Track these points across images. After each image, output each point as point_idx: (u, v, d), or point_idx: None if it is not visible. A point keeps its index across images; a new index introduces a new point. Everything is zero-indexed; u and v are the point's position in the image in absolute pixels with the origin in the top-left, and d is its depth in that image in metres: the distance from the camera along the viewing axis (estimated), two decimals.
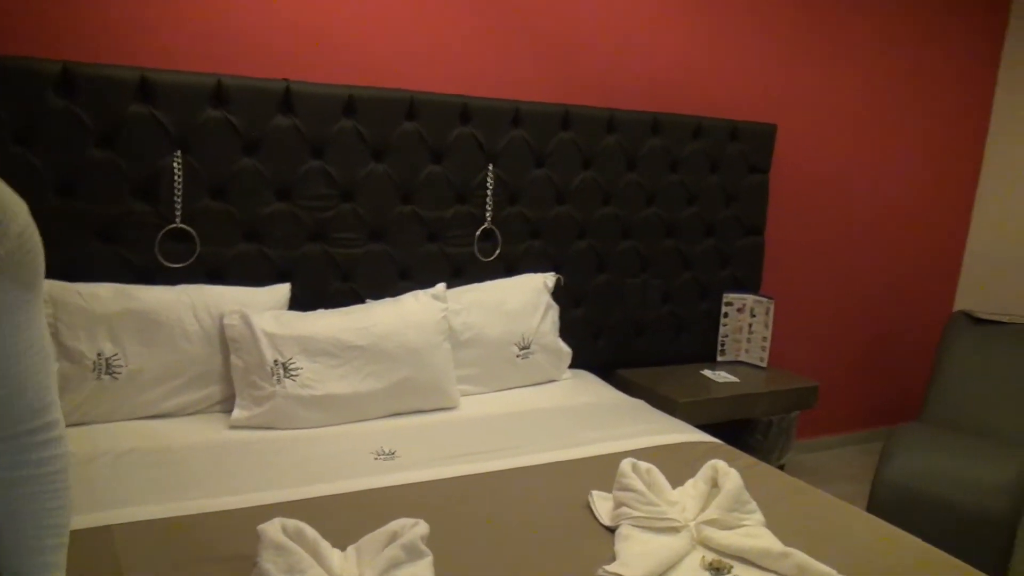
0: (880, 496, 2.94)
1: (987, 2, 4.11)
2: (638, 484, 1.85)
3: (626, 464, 1.91)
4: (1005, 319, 3.73)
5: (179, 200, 2.44)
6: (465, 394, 2.72)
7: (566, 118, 3.00)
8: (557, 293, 3.05)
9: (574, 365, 3.09)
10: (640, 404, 2.80)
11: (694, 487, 1.95)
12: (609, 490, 1.95)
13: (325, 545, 1.55)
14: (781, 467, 3.63)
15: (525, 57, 3.00)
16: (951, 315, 3.86)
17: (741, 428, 3.40)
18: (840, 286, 4.03)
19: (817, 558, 1.74)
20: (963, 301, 4.46)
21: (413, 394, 2.51)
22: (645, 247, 3.27)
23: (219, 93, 2.44)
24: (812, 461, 4.00)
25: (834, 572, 1.63)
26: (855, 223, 4.00)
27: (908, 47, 3.92)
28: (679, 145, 3.26)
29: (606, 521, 1.86)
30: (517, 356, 2.81)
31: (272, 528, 1.50)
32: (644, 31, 3.22)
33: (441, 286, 2.71)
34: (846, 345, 4.14)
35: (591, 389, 2.92)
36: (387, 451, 2.21)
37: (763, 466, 2.30)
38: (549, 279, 2.99)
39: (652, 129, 3.19)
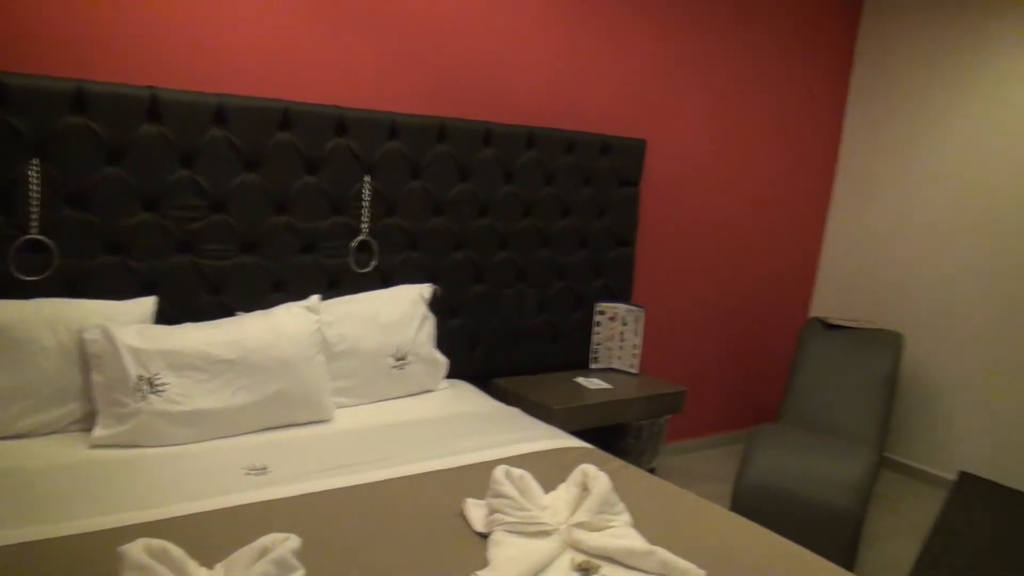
0: (742, 494, 3.10)
1: (838, 21, 4.41)
2: (511, 490, 1.89)
3: (499, 471, 1.95)
4: (854, 324, 4.00)
5: (36, 210, 2.33)
6: (340, 406, 2.71)
7: (443, 131, 3.03)
8: (435, 304, 3.07)
9: (451, 375, 3.12)
10: (516, 412, 2.85)
11: (565, 491, 2.01)
12: (484, 498, 1.98)
13: (192, 564, 1.52)
14: (652, 470, 3.77)
15: (403, 70, 3.02)
16: (806, 321, 4.11)
17: (614, 433, 3.52)
18: (706, 295, 4.23)
19: (681, 555, 1.83)
20: (818, 308, 4.75)
21: (286, 408, 2.48)
22: (521, 258, 3.34)
23: (80, 99, 2.34)
24: (681, 463, 4.16)
25: (694, 567, 1.72)
26: (719, 235, 4.20)
27: (765, 66, 4.16)
28: (553, 159, 3.34)
29: (479, 528, 1.90)
30: (393, 367, 2.81)
31: (134, 549, 1.46)
32: (520, 48, 3.29)
33: (315, 298, 2.69)
34: (712, 351, 4.34)
35: (467, 399, 2.95)
36: (259, 466, 2.18)
37: (632, 469, 2.39)
38: (426, 290, 3.02)
39: (527, 143, 3.26)
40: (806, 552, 1.98)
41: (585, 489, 1.99)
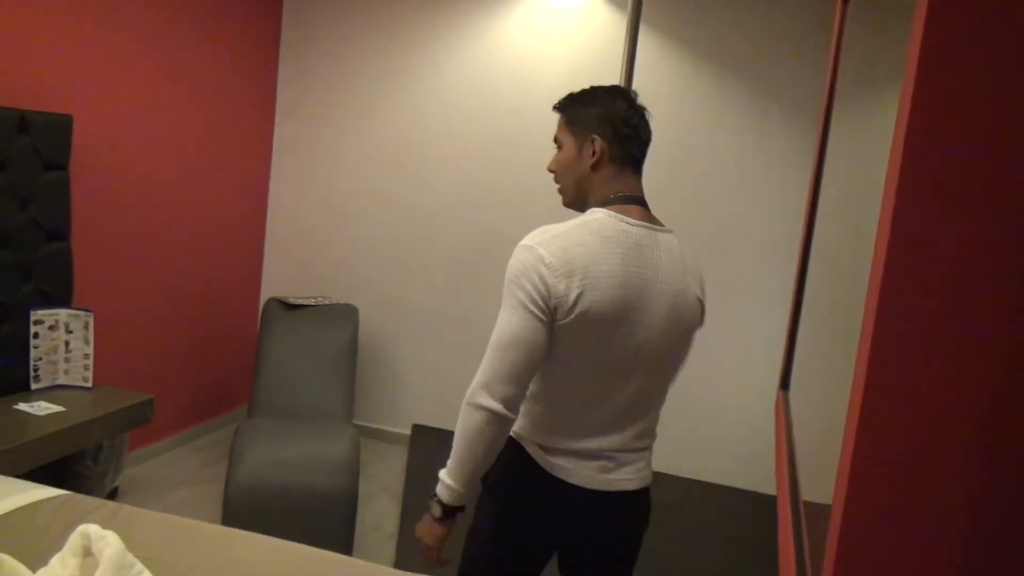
0: (234, 498, 2.93)
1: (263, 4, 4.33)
2: None
3: None
4: (312, 302, 4.06)
5: None
6: None
7: None
8: None
9: None
10: None
11: (63, 565, 1.63)
12: None
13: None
14: (115, 489, 3.35)
15: None
16: (265, 303, 4.03)
17: (67, 457, 3.02)
18: (160, 287, 3.86)
19: None
20: (271, 287, 4.70)
21: None
22: None
23: None
24: (147, 473, 3.78)
25: None
26: (167, 223, 3.85)
27: (197, 44, 3.90)
28: None
29: None
30: None
31: None
32: None
33: None
34: (173, 347, 4.00)
35: None
36: None
37: (127, 510, 2.06)
38: None
39: None
40: (301, 547, 2.00)
41: (89, 555, 1.65)
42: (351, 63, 4.45)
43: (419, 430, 4.45)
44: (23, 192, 2.95)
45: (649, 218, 1.71)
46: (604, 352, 1.62)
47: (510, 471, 1.74)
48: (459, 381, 4.41)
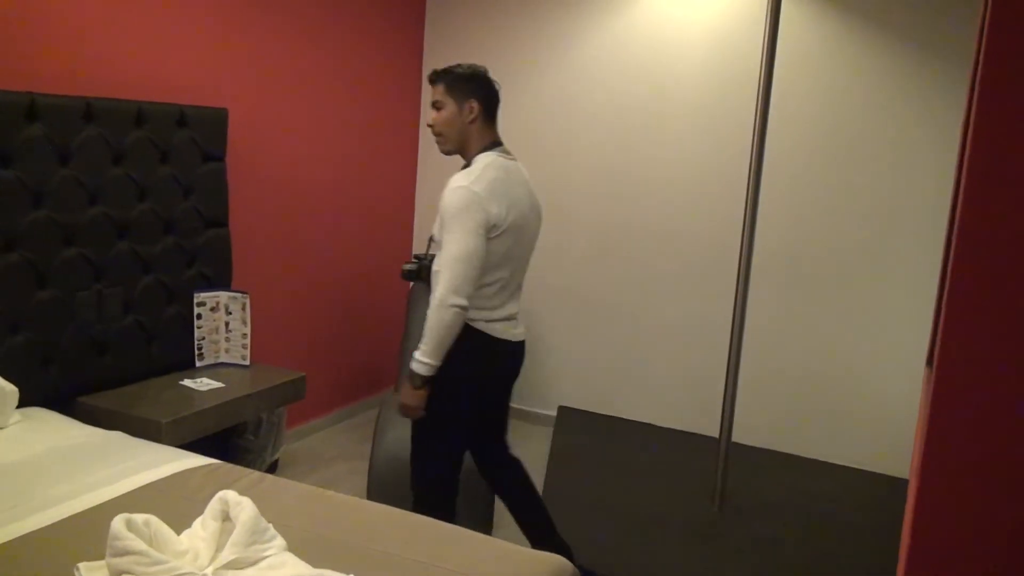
0: (378, 472, 3.02)
1: None
2: (137, 544, 1.57)
3: (119, 524, 1.60)
4: None
5: None
6: None
7: None
8: None
9: (23, 404, 2.56)
10: (116, 437, 2.43)
11: (204, 527, 1.73)
12: (101, 557, 1.63)
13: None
14: (275, 462, 3.53)
15: None
16: (411, 286, 4.13)
17: (230, 430, 3.21)
18: (311, 270, 4.04)
19: (344, 566, 1.68)
20: None
21: None
22: (95, 253, 2.84)
23: None
24: (305, 448, 3.97)
25: None
26: (315, 206, 4.01)
27: (343, 37, 4.02)
28: (119, 134, 2.87)
29: None
30: None
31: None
32: (62, 2, 2.74)
33: None
34: (323, 328, 4.18)
35: (50, 429, 2.44)
36: None
37: (269, 480, 2.16)
38: None
39: (85, 116, 2.75)
40: (436, 522, 2.01)
41: (227, 519, 1.73)
42: (492, 49, 4.46)
43: (565, 412, 4.43)
44: (184, 182, 3.15)
45: (510, 154, 2.48)
46: (513, 249, 2.42)
47: (465, 343, 2.36)
48: (606, 363, 4.40)
